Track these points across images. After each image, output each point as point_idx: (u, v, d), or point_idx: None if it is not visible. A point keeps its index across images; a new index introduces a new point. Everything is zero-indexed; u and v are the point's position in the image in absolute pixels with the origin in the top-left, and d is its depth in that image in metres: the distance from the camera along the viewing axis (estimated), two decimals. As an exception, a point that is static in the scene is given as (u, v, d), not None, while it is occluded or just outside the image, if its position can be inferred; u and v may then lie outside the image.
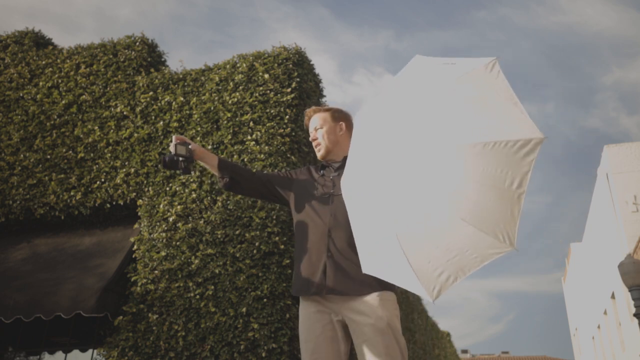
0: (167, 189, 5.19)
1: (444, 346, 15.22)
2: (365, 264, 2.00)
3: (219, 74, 5.61)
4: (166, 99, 5.63)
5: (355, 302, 2.23)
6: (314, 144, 2.54)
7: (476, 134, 1.85)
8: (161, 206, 5.08)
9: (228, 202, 4.90)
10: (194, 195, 5.03)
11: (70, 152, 5.70)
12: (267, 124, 5.14)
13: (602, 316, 16.34)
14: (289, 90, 5.26)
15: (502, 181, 1.84)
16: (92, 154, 5.64)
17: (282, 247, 4.61)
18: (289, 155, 4.99)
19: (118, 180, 5.38)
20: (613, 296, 14.30)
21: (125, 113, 5.73)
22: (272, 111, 5.20)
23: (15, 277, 5.12)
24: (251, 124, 5.20)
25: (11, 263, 5.40)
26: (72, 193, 5.49)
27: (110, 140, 5.64)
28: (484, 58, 1.92)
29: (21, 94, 6.23)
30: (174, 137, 2.36)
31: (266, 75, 5.37)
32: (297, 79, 5.35)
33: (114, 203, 5.39)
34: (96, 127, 5.74)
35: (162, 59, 6.44)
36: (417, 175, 1.92)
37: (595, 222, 15.65)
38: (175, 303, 4.65)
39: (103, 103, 5.89)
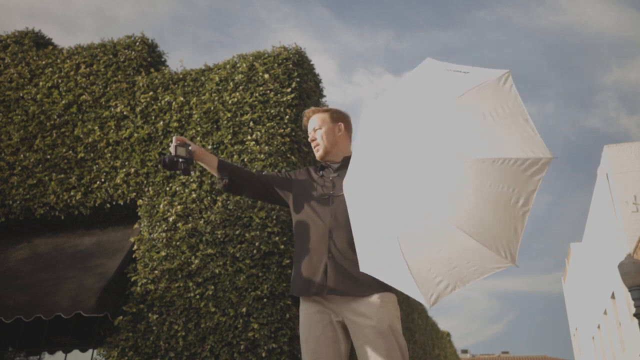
0: (167, 189, 5.19)
1: (444, 346, 15.22)
2: (364, 263, 2.00)
3: (219, 74, 5.61)
4: (166, 99, 5.63)
5: (356, 304, 2.23)
6: (312, 144, 2.54)
7: (485, 149, 1.85)
8: (161, 206, 5.08)
9: (228, 202, 4.90)
10: (194, 195, 5.03)
11: (70, 152, 5.70)
12: (267, 124, 5.14)
13: (602, 316, 16.34)
14: (289, 90, 5.26)
15: (508, 198, 1.85)
16: (92, 154, 5.64)
17: (282, 247, 4.61)
18: (289, 155, 4.99)
19: (118, 180, 5.39)
20: (613, 296, 14.30)
21: (125, 113, 5.73)
22: (272, 111, 5.20)
23: (15, 277, 5.12)
24: (251, 124, 5.20)
25: (11, 263, 5.40)
26: (72, 193, 5.49)
27: (110, 140, 5.64)
28: (498, 70, 1.91)
29: (21, 94, 6.23)
30: (174, 138, 2.36)
31: (266, 75, 5.37)
32: (297, 79, 5.35)
33: (114, 203, 5.39)
34: (96, 127, 5.74)
35: (162, 59, 6.44)
36: (422, 185, 1.92)
37: (595, 222, 15.65)
38: (175, 303, 4.65)
39: (103, 103, 5.89)
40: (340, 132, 2.54)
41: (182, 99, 5.57)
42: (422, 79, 2.04)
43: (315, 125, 2.54)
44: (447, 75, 1.99)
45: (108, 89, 5.96)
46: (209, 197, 4.99)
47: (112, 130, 5.68)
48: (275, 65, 5.44)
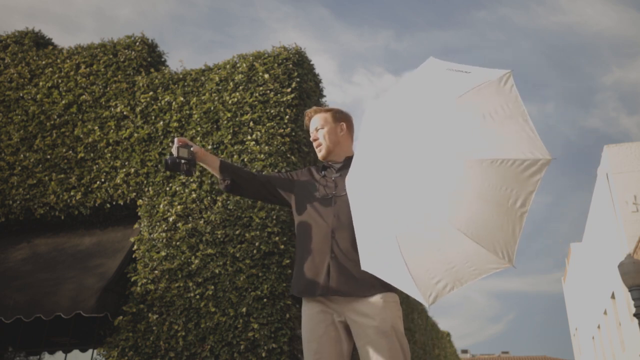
0: (167, 189, 5.19)
1: (444, 346, 15.22)
2: (365, 262, 2.00)
3: (219, 74, 5.61)
4: (166, 99, 5.63)
5: (359, 304, 2.23)
6: (315, 144, 2.53)
7: (485, 149, 1.86)
8: (161, 206, 5.08)
9: (228, 202, 4.90)
10: (194, 195, 5.03)
11: (70, 152, 5.70)
12: (267, 124, 5.14)
13: (602, 316, 16.34)
14: (289, 90, 5.26)
15: (507, 199, 1.85)
16: (92, 154, 5.64)
17: (282, 247, 4.61)
18: (289, 155, 4.99)
19: (118, 180, 5.39)
20: (613, 296, 14.30)
21: (125, 113, 5.73)
22: (272, 111, 5.20)
23: (15, 277, 5.12)
24: (251, 124, 5.20)
25: (11, 263, 5.40)
26: (72, 193, 5.49)
27: (110, 140, 5.64)
28: (499, 70, 1.92)
29: (21, 94, 6.23)
30: (176, 140, 2.35)
31: (266, 75, 5.37)
32: (297, 79, 5.35)
33: (114, 203, 5.39)
34: (96, 127, 5.74)
35: (162, 59, 6.44)
36: (422, 185, 1.92)
37: (595, 222, 15.65)
38: (175, 303, 4.65)
39: (103, 103, 5.89)
40: (343, 132, 2.54)
41: (182, 99, 5.57)
42: (424, 79, 2.04)
43: (318, 124, 2.53)
44: (449, 75, 1.99)
45: (108, 89, 5.96)
46: (209, 197, 4.99)
47: (112, 130, 5.68)
48: (275, 65, 5.44)
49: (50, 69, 6.30)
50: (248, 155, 5.06)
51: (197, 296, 4.62)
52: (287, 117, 5.15)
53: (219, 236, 4.79)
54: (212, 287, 4.60)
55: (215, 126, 5.35)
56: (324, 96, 6.04)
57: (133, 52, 6.12)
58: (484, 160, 1.84)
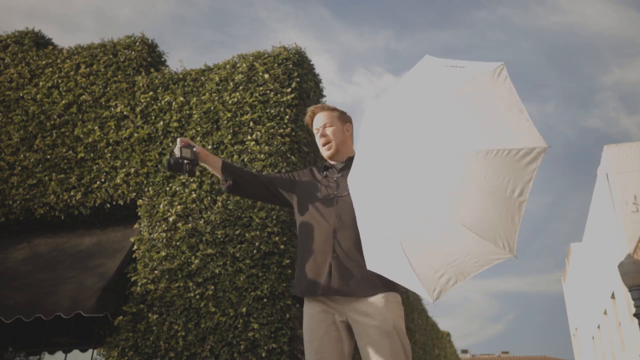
0: (167, 189, 5.19)
1: (444, 346, 15.22)
2: (370, 261, 2.01)
3: (219, 74, 5.61)
4: (166, 99, 5.63)
5: (360, 304, 2.23)
6: (322, 140, 2.52)
7: (480, 141, 1.86)
8: (161, 206, 5.08)
9: (228, 202, 4.90)
10: (194, 195, 5.03)
11: (70, 152, 5.70)
12: (267, 124, 5.14)
13: (602, 316, 16.34)
14: (289, 90, 5.26)
15: (504, 189, 1.85)
16: (92, 154, 5.64)
17: (282, 247, 4.61)
18: (289, 155, 4.99)
19: (118, 180, 5.39)
20: (613, 296, 14.30)
21: (125, 113, 5.73)
22: (272, 111, 5.20)
23: (15, 277, 5.12)
24: (251, 124, 5.20)
25: (11, 263, 5.40)
26: (72, 193, 5.49)
27: (110, 140, 5.64)
28: (492, 63, 1.92)
29: (21, 94, 6.23)
30: (178, 140, 2.36)
31: (266, 75, 5.37)
32: (297, 79, 5.35)
33: (114, 203, 5.39)
34: (96, 127, 5.74)
35: (162, 59, 6.44)
36: (420, 179, 1.93)
37: (595, 222, 15.65)
38: (175, 303, 4.65)
39: (103, 103, 5.89)
40: (348, 133, 2.57)
41: (182, 99, 5.57)
42: (420, 77, 2.05)
43: (326, 122, 2.54)
44: (444, 71, 2.00)
45: (108, 89, 5.96)
46: (209, 197, 4.99)
47: (112, 130, 5.68)
48: (275, 65, 5.44)
49: (50, 69, 6.30)
50: (248, 155, 5.06)
51: (197, 296, 4.62)
52: (287, 117, 5.15)
53: (219, 236, 4.79)
54: (212, 287, 4.60)
55: (215, 126, 5.35)
56: (324, 96, 6.04)
57: (133, 52, 6.12)
58: (480, 151, 1.85)
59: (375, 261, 2.01)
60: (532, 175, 1.83)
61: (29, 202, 5.60)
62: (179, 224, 4.93)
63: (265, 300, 4.43)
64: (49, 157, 5.76)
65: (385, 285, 2.22)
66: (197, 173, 5.10)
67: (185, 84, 5.70)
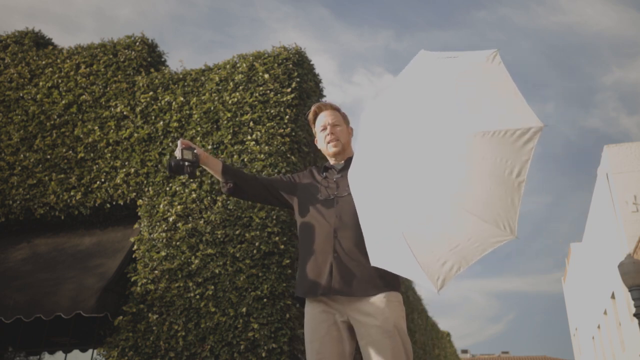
0: (167, 189, 5.19)
1: (444, 346, 15.22)
2: (373, 256, 2.00)
3: (219, 74, 5.61)
4: (166, 99, 5.63)
5: (361, 303, 2.23)
6: (329, 137, 2.52)
7: (476, 123, 1.87)
8: (161, 206, 5.08)
9: (228, 202, 4.90)
10: (194, 195, 5.03)
11: (70, 152, 5.70)
12: (267, 124, 5.14)
13: (602, 316, 16.34)
14: (289, 90, 5.26)
15: (502, 170, 1.85)
16: (92, 154, 5.64)
17: (282, 247, 4.61)
18: (289, 155, 4.99)
19: (118, 180, 5.39)
20: (613, 296, 14.30)
21: (125, 113, 5.73)
22: (272, 111, 5.20)
23: (15, 277, 5.12)
24: (251, 124, 5.20)
25: (11, 263, 5.40)
26: (72, 193, 5.49)
27: (110, 140, 5.64)
28: (486, 50, 1.95)
29: (21, 94, 6.23)
30: (179, 142, 2.36)
31: (266, 75, 5.37)
32: (297, 79, 5.35)
33: (114, 203, 5.39)
34: (96, 127, 5.74)
35: (162, 59, 6.44)
36: (418, 166, 1.94)
37: (595, 222, 15.65)
38: (175, 303, 4.65)
39: (103, 103, 5.89)
40: (351, 135, 2.61)
41: (182, 99, 5.57)
42: (417, 72, 2.08)
43: (335, 121, 2.55)
44: (440, 63, 2.02)
45: (108, 89, 5.96)
46: (209, 197, 4.99)
47: (112, 130, 5.68)
48: (275, 65, 5.44)
49: (50, 69, 6.30)
50: (248, 155, 5.06)
51: (197, 296, 4.62)
52: (287, 117, 5.15)
53: (219, 236, 4.79)
54: (212, 287, 4.60)
55: (215, 126, 5.35)
56: (324, 96, 6.04)
57: (133, 52, 6.12)
58: (476, 133, 1.85)
59: (378, 256, 2.00)
60: (529, 155, 1.83)
61: (29, 202, 5.60)
62: (179, 224, 4.93)
63: (265, 300, 4.43)
64: (49, 157, 5.76)
65: (386, 285, 2.22)
66: (197, 174, 5.10)
67: (185, 84, 5.70)
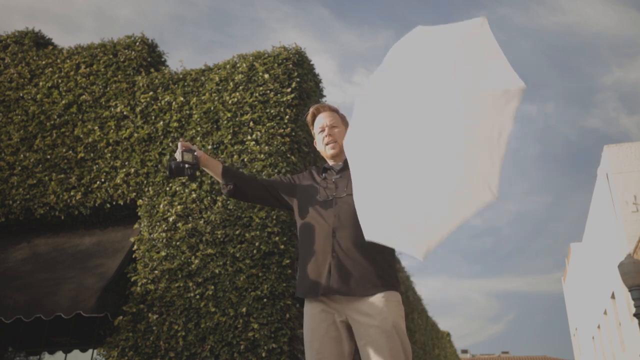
0: (167, 189, 5.19)
1: (444, 346, 15.23)
2: (366, 229, 2.01)
3: (219, 74, 5.61)
4: (166, 99, 5.63)
5: (360, 303, 2.23)
6: (328, 139, 2.53)
7: (458, 85, 1.88)
8: (161, 206, 5.08)
9: (228, 202, 4.91)
10: (194, 195, 5.03)
11: (70, 152, 5.70)
12: (267, 124, 5.14)
13: (602, 316, 16.34)
14: (289, 90, 5.26)
15: (483, 131, 1.85)
16: (92, 154, 5.64)
17: (282, 247, 4.61)
18: (289, 155, 4.99)
19: (118, 180, 5.39)
20: (613, 296, 14.30)
21: (125, 113, 5.73)
22: (272, 111, 5.20)
23: (15, 277, 5.13)
24: (251, 124, 5.20)
25: (11, 263, 5.40)
26: (72, 193, 5.49)
27: (110, 140, 5.64)
28: (475, 19, 1.99)
29: (21, 94, 6.24)
30: (180, 144, 2.36)
31: (266, 75, 5.37)
32: (297, 79, 5.35)
33: (114, 203, 5.39)
34: (96, 127, 5.74)
35: (162, 59, 6.44)
36: (405, 133, 1.95)
37: (595, 222, 15.66)
38: (175, 303, 4.65)
39: (103, 103, 5.89)
40: None
41: (182, 99, 5.57)
42: (408, 45, 2.10)
43: (334, 123, 2.56)
44: (430, 33, 2.05)
45: (108, 89, 5.96)
46: (209, 197, 4.99)
47: (112, 130, 5.68)
48: (275, 65, 5.44)
49: (50, 69, 6.30)
50: (248, 155, 5.06)
51: (197, 296, 4.62)
52: (287, 117, 5.15)
53: (219, 236, 4.79)
54: (212, 287, 4.60)
55: (215, 126, 5.35)
56: (324, 96, 6.04)
57: (133, 52, 6.12)
58: (458, 93, 1.86)
59: (370, 228, 2.00)
60: (510, 115, 1.83)
61: (29, 202, 5.60)
62: (179, 224, 4.93)
63: (265, 300, 4.43)
64: (49, 157, 5.76)
65: (385, 284, 2.22)
66: (197, 173, 5.10)
67: (185, 84, 5.70)
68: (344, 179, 2.38)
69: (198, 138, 5.34)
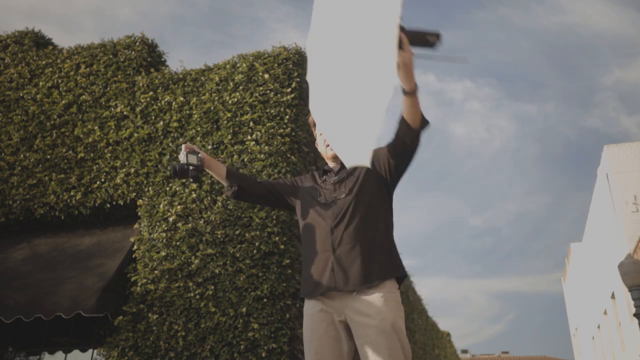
0: (167, 189, 5.19)
1: (444, 346, 15.23)
2: (334, 143, 2.21)
3: (219, 74, 5.61)
4: (166, 99, 5.63)
5: (358, 303, 2.23)
6: (327, 141, 2.55)
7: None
8: (161, 206, 5.08)
9: (228, 202, 4.91)
10: (194, 195, 5.03)
11: (70, 152, 5.70)
12: (267, 124, 5.14)
13: (602, 316, 16.35)
14: (289, 90, 5.26)
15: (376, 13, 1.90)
16: (92, 154, 5.64)
17: (282, 247, 4.61)
18: (289, 155, 4.99)
19: (118, 180, 5.39)
20: (613, 296, 14.31)
21: (125, 113, 5.73)
22: (272, 111, 5.20)
23: (15, 277, 5.13)
24: (251, 124, 5.21)
25: (11, 263, 5.40)
26: (72, 193, 5.49)
27: (110, 140, 5.64)
28: None
29: (21, 94, 6.24)
30: (183, 146, 2.38)
31: (266, 75, 5.37)
32: (297, 79, 5.35)
33: (114, 203, 5.39)
34: (96, 127, 5.74)
35: (162, 59, 6.44)
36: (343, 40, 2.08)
37: (595, 222, 15.66)
38: (175, 303, 4.65)
39: (103, 103, 5.89)
40: None
41: (182, 99, 5.57)
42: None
43: None
44: None
45: (108, 89, 5.96)
46: (209, 197, 4.99)
47: (112, 130, 5.68)
48: (275, 65, 5.44)
49: (50, 69, 6.30)
50: (248, 155, 5.06)
51: (197, 296, 4.62)
52: (287, 117, 5.15)
53: (219, 236, 4.79)
54: (212, 287, 4.60)
55: (215, 126, 5.35)
56: (324, 96, 6.03)
57: (133, 52, 6.12)
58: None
59: (337, 143, 2.18)
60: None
61: (29, 202, 5.60)
62: (179, 224, 4.93)
63: (265, 300, 4.43)
64: (49, 157, 5.76)
65: (384, 284, 2.23)
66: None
67: (185, 84, 5.70)
68: (343, 181, 2.42)
69: (198, 138, 5.34)
